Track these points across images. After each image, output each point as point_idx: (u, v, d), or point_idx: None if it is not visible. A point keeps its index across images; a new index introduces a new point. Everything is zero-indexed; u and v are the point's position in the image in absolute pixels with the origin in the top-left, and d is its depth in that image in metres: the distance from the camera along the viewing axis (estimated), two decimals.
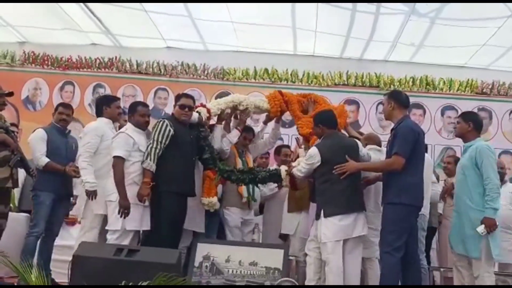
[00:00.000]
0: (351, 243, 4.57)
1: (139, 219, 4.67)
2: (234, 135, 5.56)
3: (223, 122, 5.59)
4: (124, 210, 4.58)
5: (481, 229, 4.34)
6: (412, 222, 4.52)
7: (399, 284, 4.49)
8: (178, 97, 5.16)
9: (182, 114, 5.00)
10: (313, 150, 4.70)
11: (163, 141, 4.78)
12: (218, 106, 5.48)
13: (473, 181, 4.50)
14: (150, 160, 4.70)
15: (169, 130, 4.82)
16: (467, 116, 4.78)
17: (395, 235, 4.39)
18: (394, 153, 4.41)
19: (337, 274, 4.44)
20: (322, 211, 4.56)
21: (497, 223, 4.40)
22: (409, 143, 4.42)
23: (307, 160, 4.72)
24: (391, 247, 4.37)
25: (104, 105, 5.24)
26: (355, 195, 4.65)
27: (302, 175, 4.79)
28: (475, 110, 8.54)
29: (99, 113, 5.26)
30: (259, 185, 5.44)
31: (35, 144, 5.37)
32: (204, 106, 5.44)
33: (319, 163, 4.63)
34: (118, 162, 4.69)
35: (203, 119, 5.27)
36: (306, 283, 4.74)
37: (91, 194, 4.83)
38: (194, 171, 5.08)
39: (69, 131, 5.67)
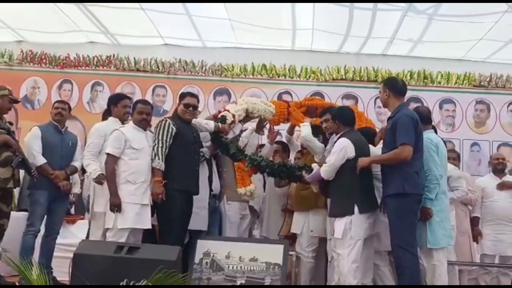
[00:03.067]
0: (370, 240, 4.62)
1: (133, 218, 4.62)
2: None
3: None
4: (114, 207, 4.61)
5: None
6: (416, 212, 4.50)
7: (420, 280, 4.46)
8: (182, 96, 5.16)
9: (187, 113, 5.00)
10: (345, 141, 4.61)
11: (167, 139, 4.79)
12: (238, 112, 5.50)
13: None
14: (159, 159, 4.71)
15: (172, 129, 4.82)
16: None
17: (406, 227, 4.37)
18: (401, 144, 4.35)
19: (357, 272, 4.45)
20: (356, 207, 4.48)
21: (433, 212, 4.53)
22: (411, 131, 4.40)
23: (340, 151, 4.59)
24: (403, 241, 4.35)
25: (112, 104, 5.34)
26: (373, 192, 4.70)
27: (332, 169, 4.60)
28: (474, 103, 8.63)
29: (110, 113, 5.36)
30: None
31: (30, 143, 5.38)
32: (228, 110, 5.44)
33: (353, 156, 4.58)
34: (109, 160, 4.73)
35: (225, 124, 5.28)
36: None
37: (99, 179, 4.89)
38: (199, 169, 5.05)
39: (66, 127, 5.64)
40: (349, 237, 4.47)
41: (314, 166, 5.11)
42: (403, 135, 4.37)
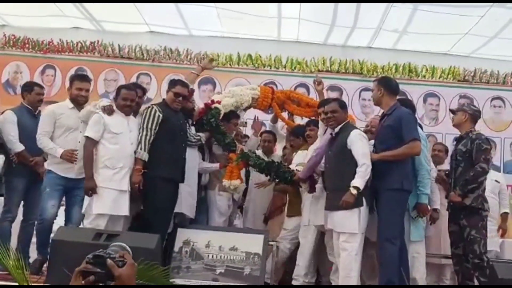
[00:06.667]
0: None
1: (110, 204, 4.57)
2: None
3: None
4: (89, 190, 4.58)
5: (414, 214, 4.67)
6: (405, 207, 4.56)
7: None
8: (173, 83, 5.06)
9: (175, 102, 4.94)
10: (361, 132, 4.57)
11: (153, 127, 4.75)
12: (226, 107, 5.54)
13: None
14: (141, 149, 4.67)
15: (158, 116, 4.77)
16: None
17: (397, 222, 4.41)
18: (412, 139, 4.39)
19: (358, 266, 4.42)
20: (364, 200, 4.38)
21: (428, 207, 4.73)
22: (417, 128, 4.52)
23: (365, 139, 4.53)
24: (392, 234, 4.36)
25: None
26: None
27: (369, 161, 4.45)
28: (457, 98, 8.66)
29: None
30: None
31: (5, 128, 5.30)
32: (219, 103, 5.47)
33: None
34: (87, 143, 4.68)
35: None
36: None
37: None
38: (185, 157, 5.01)
39: (39, 111, 5.57)
40: (363, 231, 4.41)
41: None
42: (412, 131, 4.44)
